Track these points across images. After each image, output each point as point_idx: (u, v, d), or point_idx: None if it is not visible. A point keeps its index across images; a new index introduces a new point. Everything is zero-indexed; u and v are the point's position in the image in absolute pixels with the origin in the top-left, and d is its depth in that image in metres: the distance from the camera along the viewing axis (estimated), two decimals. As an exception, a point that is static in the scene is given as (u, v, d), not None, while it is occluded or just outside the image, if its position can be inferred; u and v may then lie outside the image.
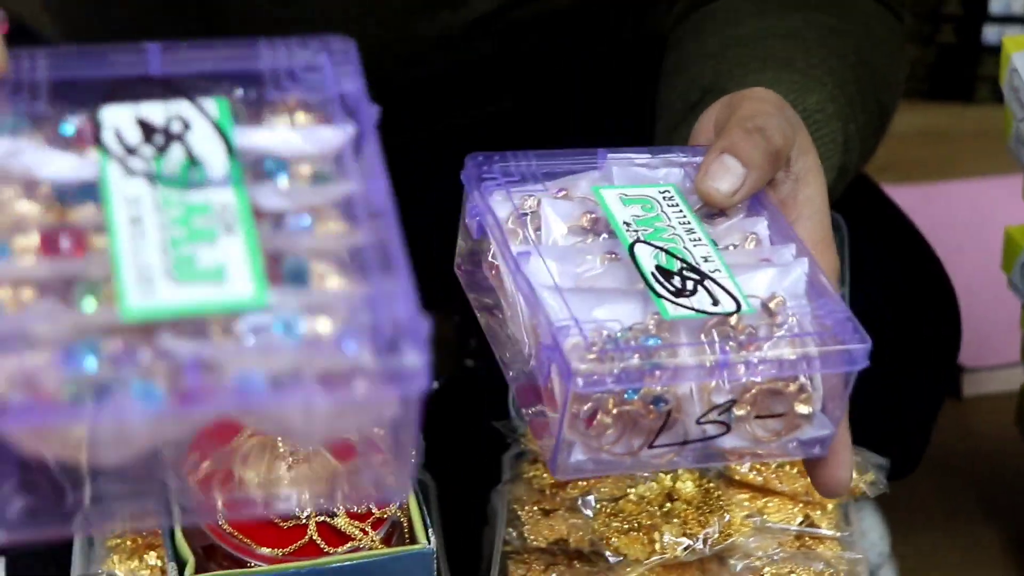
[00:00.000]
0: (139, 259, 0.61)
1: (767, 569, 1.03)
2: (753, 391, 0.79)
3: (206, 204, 0.65)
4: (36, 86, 0.71)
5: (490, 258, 0.90)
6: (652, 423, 0.78)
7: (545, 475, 1.09)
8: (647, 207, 0.85)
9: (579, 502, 1.06)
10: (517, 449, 1.12)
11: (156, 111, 0.68)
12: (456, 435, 1.10)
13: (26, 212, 0.65)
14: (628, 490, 1.07)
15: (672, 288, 0.78)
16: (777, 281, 0.81)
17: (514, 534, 1.05)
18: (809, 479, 0.93)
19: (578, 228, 0.85)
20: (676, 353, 0.77)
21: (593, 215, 0.85)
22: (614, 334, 0.77)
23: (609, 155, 0.89)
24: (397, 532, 0.95)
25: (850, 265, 1.16)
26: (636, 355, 0.76)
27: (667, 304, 0.76)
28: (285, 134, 0.69)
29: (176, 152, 0.67)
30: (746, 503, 1.06)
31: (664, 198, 0.86)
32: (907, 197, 1.40)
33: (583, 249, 0.84)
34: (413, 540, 0.94)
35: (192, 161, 0.67)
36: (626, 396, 0.77)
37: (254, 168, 0.67)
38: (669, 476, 1.08)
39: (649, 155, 0.90)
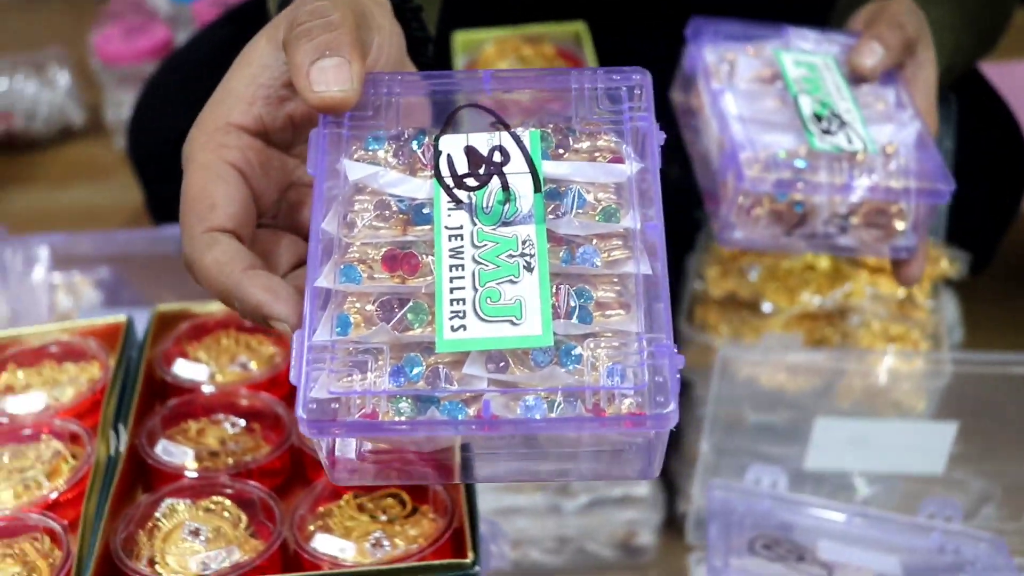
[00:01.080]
0: (455, 294, 0.66)
1: (874, 322, 1.17)
2: (865, 207, 0.96)
3: (513, 241, 0.68)
4: (391, 106, 0.76)
5: (698, 90, 1.08)
6: (791, 219, 0.97)
7: (723, 248, 1.23)
8: (811, 69, 1.03)
9: (749, 265, 1.22)
10: (708, 230, 1.25)
11: (482, 140, 0.71)
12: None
13: (380, 228, 0.70)
14: (781, 261, 1.21)
15: (820, 128, 0.97)
16: (895, 134, 0.98)
17: (700, 287, 1.23)
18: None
19: (760, 78, 1.03)
20: (817, 173, 0.95)
21: (772, 70, 1.04)
22: (775, 153, 0.96)
23: (790, 30, 1.05)
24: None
25: (956, 126, 1.27)
26: (788, 170, 0.95)
27: (815, 138, 0.95)
28: (583, 168, 0.70)
29: (494, 184, 0.70)
30: (865, 277, 1.20)
31: (824, 65, 1.03)
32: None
33: (762, 92, 1.02)
34: None
35: (506, 195, 0.69)
36: (777, 198, 0.96)
37: (554, 198, 0.69)
38: (813, 252, 1.20)
39: (818, 33, 1.06)
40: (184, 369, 0.98)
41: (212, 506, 0.86)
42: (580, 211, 0.68)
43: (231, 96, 0.76)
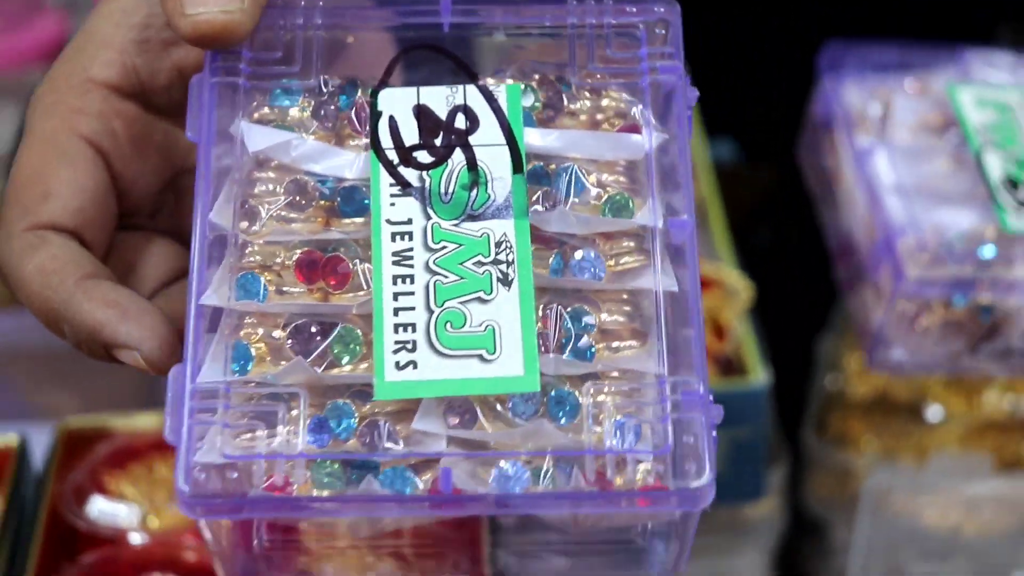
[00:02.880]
0: (400, 317, 0.55)
1: None
2: None
3: (483, 242, 0.56)
4: (309, 46, 0.63)
5: (835, 145, 0.97)
6: (976, 331, 0.85)
7: None
8: (1002, 111, 0.91)
9: None
10: (846, 306, 1.16)
11: (439, 96, 0.59)
12: (787, 284, 1.11)
13: (292, 222, 0.58)
14: None
15: (1016, 200, 0.84)
16: None
17: (836, 383, 1.11)
18: None
19: (927, 127, 0.91)
20: (1012, 266, 0.83)
21: (944, 114, 0.91)
22: (950, 239, 0.84)
23: (969, 52, 0.94)
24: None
25: None
26: (970, 263, 0.83)
27: (1010, 215, 0.83)
28: (582, 139, 0.59)
29: (456, 160, 0.58)
30: None
31: (1021, 105, 0.91)
32: None
33: (930, 149, 0.89)
34: (745, 372, 1.01)
35: (473, 176, 0.58)
36: (954, 302, 0.84)
37: (540, 181, 0.58)
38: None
39: (1014, 56, 0.95)
40: (104, 510, 0.86)
41: None
42: (577, 201, 0.56)
43: (93, 42, 0.63)
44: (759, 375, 0.99)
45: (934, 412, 1.08)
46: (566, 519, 0.61)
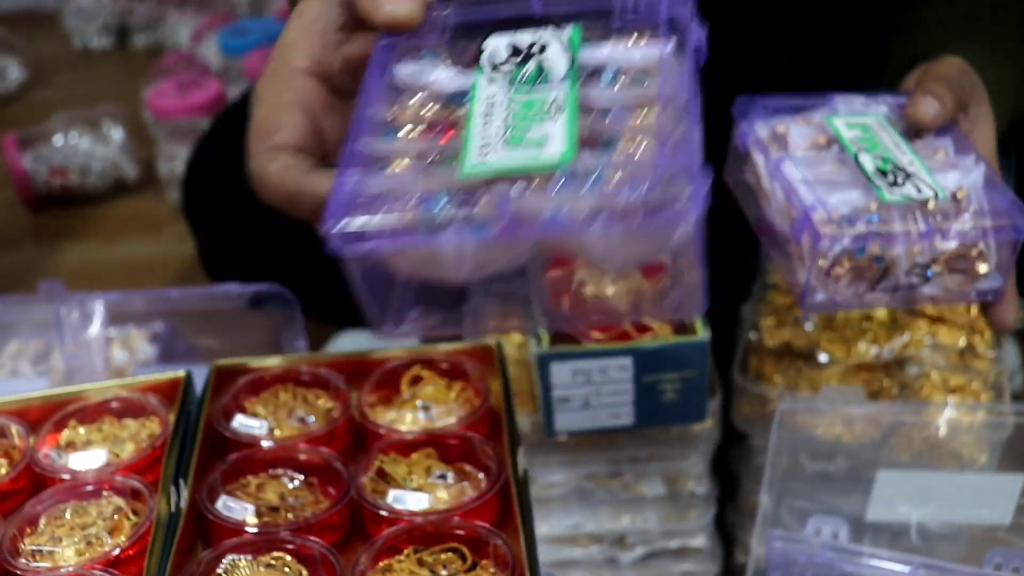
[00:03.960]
0: (484, 135, 0.72)
1: (934, 373, 1.16)
2: (945, 254, 0.96)
3: (544, 97, 0.74)
4: (445, 27, 0.84)
5: (754, 164, 1.07)
6: (873, 274, 0.96)
7: (779, 297, 1.24)
8: (865, 130, 1.03)
9: (802, 317, 1.21)
10: (763, 280, 1.26)
11: (526, 37, 0.79)
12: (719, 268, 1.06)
13: (424, 112, 0.78)
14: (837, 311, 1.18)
15: (887, 182, 0.97)
16: (962, 179, 0.98)
17: (755, 337, 1.23)
18: (978, 312, 1.14)
19: (816, 144, 1.04)
20: (891, 224, 0.95)
21: (827, 136, 1.04)
22: (847, 212, 0.96)
23: (836, 97, 1.06)
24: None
25: (1015, 174, 1.28)
26: (863, 225, 0.94)
27: (884, 192, 0.95)
28: (619, 50, 0.77)
29: (531, 65, 0.77)
30: (924, 326, 1.19)
31: (877, 124, 1.04)
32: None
33: (821, 157, 1.03)
34: (692, 333, 1.10)
35: (541, 70, 0.77)
36: (856, 255, 0.96)
37: (589, 75, 0.76)
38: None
39: (865, 96, 1.07)
40: (243, 424, 0.99)
41: (273, 562, 0.87)
42: (612, 79, 0.75)
43: (289, 45, 0.84)
44: (702, 333, 1.09)
45: (822, 357, 1.18)
46: (604, 248, 0.70)
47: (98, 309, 1.27)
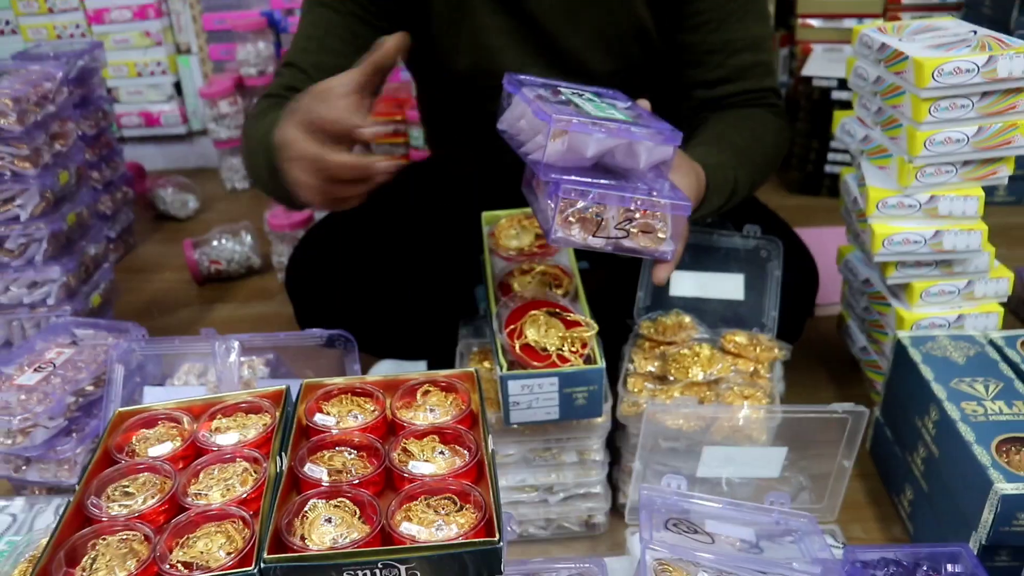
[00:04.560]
0: (585, 104, 0.96)
1: (735, 387, 1.17)
2: (640, 219, 0.93)
3: (606, 103, 0.99)
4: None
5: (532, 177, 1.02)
6: (594, 225, 0.93)
7: (646, 343, 1.23)
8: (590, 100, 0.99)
9: (661, 353, 1.22)
10: (636, 331, 1.26)
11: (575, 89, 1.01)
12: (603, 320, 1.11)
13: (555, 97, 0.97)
14: (681, 350, 1.20)
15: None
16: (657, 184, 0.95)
17: (631, 366, 1.23)
18: (760, 349, 1.14)
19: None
20: (607, 196, 0.92)
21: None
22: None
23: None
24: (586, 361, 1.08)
25: (783, 261, 1.28)
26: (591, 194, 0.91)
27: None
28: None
29: (586, 96, 0.99)
30: (730, 360, 1.22)
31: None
32: (802, 234, 1.43)
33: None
34: (594, 363, 1.08)
35: (595, 97, 0.98)
36: (584, 210, 0.92)
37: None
38: (697, 345, 1.20)
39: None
40: (320, 419, 0.97)
41: (338, 504, 0.86)
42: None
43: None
44: (600, 363, 1.07)
45: (671, 378, 1.18)
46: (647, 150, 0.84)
47: (235, 345, 1.27)
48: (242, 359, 1.31)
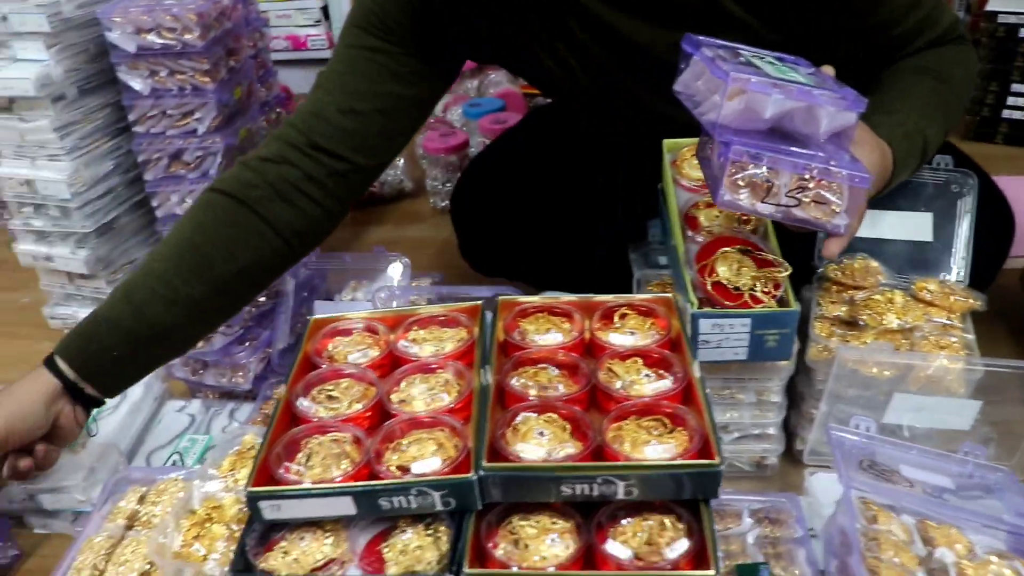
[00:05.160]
0: (766, 68, 0.92)
1: (931, 337, 1.13)
2: (814, 189, 0.89)
3: (785, 66, 0.94)
4: None
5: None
6: (763, 191, 0.89)
7: (832, 286, 1.20)
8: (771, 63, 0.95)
9: (849, 298, 1.18)
10: (820, 273, 1.22)
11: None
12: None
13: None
14: (872, 296, 1.17)
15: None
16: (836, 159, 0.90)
17: (818, 310, 1.19)
18: (953, 300, 1.10)
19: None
20: (780, 162, 0.88)
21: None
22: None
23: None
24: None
25: (977, 202, 1.21)
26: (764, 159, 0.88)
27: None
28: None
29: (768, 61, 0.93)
30: (923, 307, 1.17)
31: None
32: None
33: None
34: (787, 305, 1.04)
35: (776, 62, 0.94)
36: (756, 175, 0.89)
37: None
38: (889, 291, 1.16)
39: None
40: (520, 335, 0.98)
41: (547, 420, 0.86)
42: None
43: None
44: (795, 306, 1.03)
45: (864, 323, 1.14)
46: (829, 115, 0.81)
47: (407, 263, 1.28)
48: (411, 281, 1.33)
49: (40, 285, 1.64)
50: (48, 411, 0.98)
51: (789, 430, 1.23)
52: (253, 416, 1.26)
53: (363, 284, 1.36)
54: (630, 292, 1.22)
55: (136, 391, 1.35)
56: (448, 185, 2.00)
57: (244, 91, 1.51)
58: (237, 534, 0.89)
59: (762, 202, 0.88)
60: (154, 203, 1.49)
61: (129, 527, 0.99)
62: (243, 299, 1.09)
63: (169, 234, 1.05)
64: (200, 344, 1.31)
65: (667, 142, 1.26)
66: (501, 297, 1.00)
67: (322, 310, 1.29)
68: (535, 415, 0.86)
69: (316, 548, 0.80)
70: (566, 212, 1.43)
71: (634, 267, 1.29)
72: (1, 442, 0.96)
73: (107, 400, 1.03)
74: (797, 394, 1.21)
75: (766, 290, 1.04)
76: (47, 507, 1.21)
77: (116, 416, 1.31)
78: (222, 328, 1.30)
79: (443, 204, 2.02)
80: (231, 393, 1.37)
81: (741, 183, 0.87)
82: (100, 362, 1.00)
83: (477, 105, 2.12)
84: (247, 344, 1.34)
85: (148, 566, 0.93)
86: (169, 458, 1.28)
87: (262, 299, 1.36)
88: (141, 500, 1.01)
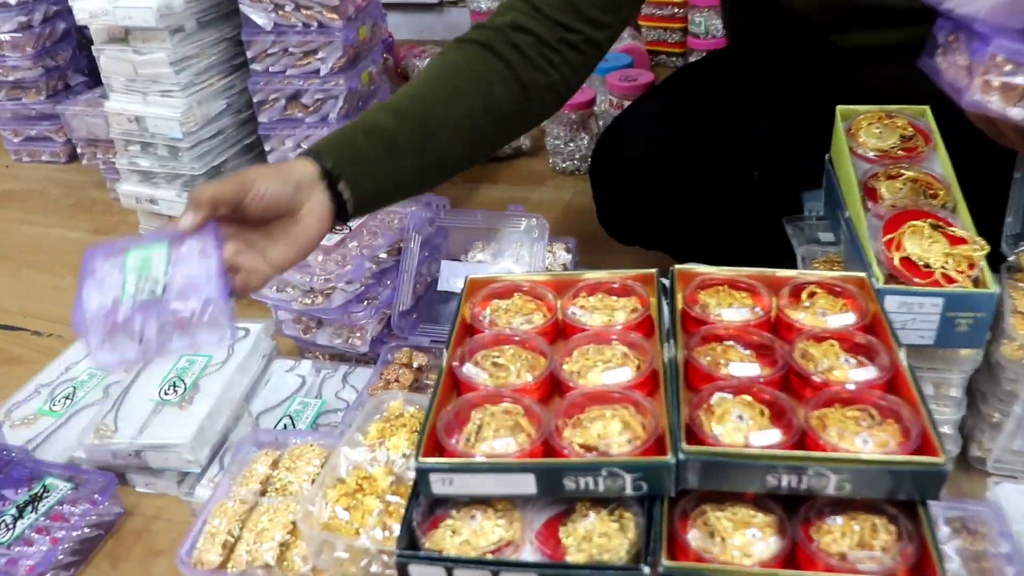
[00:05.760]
0: None
1: None
2: None
3: None
4: None
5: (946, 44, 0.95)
6: (1018, 95, 0.87)
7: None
8: None
9: None
10: (1011, 262, 1.15)
11: None
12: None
13: None
14: None
15: None
16: None
17: (1012, 302, 1.10)
18: None
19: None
20: None
21: None
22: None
23: None
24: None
25: None
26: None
27: None
28: None
29: None
30: None
31: None
32: None
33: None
34: (984, 286, 0.99)
35: None
36: (1013, 78, 0.86)
37: None
38: None
39: None
40: (702, 308, 0.94)
41: (745, 401, 0.82)
42: None
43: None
44: (994, 287, 0.99)
45: None
46: None
47: (545, 224, 1.24)
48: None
49: (139, 228, 1.63)
50: (297, 191, 0.94)
51: (964, 432, 1.18)
52: (373, 382, 1.24)
53: (491, 246, 1.32)
54: (794, 266, 1.19)
55: (244, 347, 1.33)
56: (571, 145, 1.95)
57: (369, 31, 1.46)
58: (391, 508, 0.85)
59: (1015, 106, 0.85)
60: (267, 147, 1.46)
61: (262, 492, 0.96)
62: (488, 141, 1.13)
63: (415, 77, 1.12)
64: (320, 300, 1.27)
65: (841, 108, 1.22)
66: (678, 267, 0.96)
67: (449, 271, 1.26)
68: (731, 396, 0.82)
69: (490, 528, 0.77)
70: (715, 181, 1.41)
71: (794, 242, 1.23)
72: (245, 186, 0.90)
73: (352, 216, 1.01)
74: (976, 393, 1.15)
75: (960, 269, 1.00)
76: (152, 465, 1.20)
77: (223, 373, 1.29)
78: (342, 284, 1.26)
79: (565, 165, 1.98)
80: (343, 356, 1.33)
81: (994, 83, 0.84)
82: (356, 160, 1.00)
83: (605, 61, 2.05)
84: (365, 303, 1.30)
85: (288, 536, 0.90)
86: (279, 421, 1.26)
87: (383, 255, 1.32)
88: (274, 465, 0.98)
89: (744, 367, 0.86)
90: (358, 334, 1.30)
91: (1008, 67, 0.84)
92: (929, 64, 0.99)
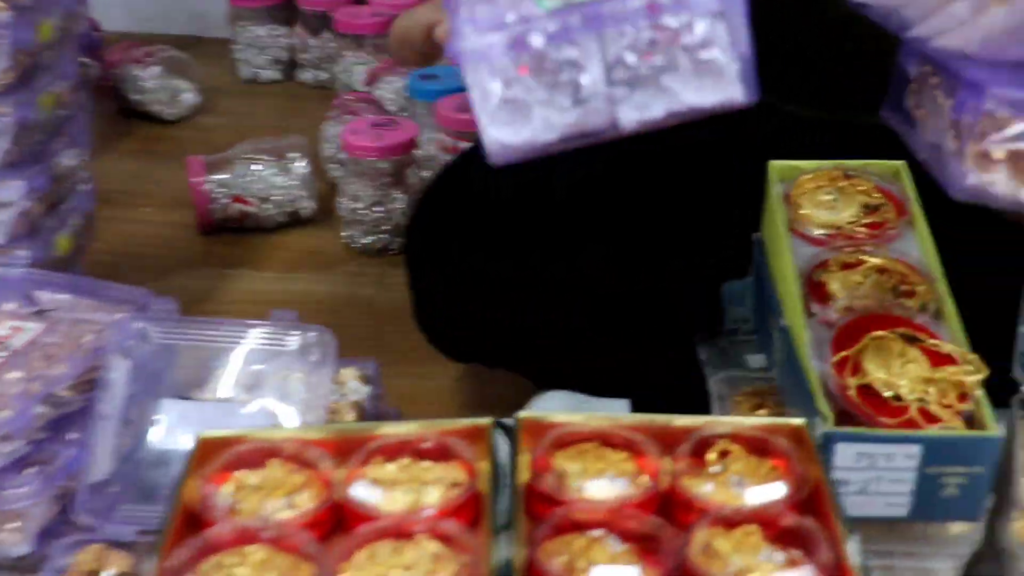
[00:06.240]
0: None
1: None
2: None
3: None
4: None
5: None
6: None
7: None
8: None
9: None
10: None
11: None
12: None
13: None
14: None
15: None
16: None
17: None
18: None
19: None
20: None
21: None
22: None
23: None
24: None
25: None
26: None
27: None
28: None
29: None
30: None
31: None
32: None
33: None
34: (982, 426, 1.01)
35: None
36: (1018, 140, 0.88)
37: None
38: None
39: None
40: (557, 479, 0.93)
41: None
42: None
43: None
44: (995, 429, 1.01)
45: None
46: None
47: (330, 343, 1.27)
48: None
49: None
50: None
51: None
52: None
53: (242, 376, 1.30)
54: (704, 407, 1.21)
55: None
56: (378, 210, 1.95)
57: (56, 28, 1.47)
58: None
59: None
60: None
61: None
62: None
63: None
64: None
65: (774, 164, 1.25)
66: (523, 415, 0.96)
67: (175, 417, 1.25)
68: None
69: None
70: (591, 272, 1.42)
71: (707, 370, 1.26)
72: None
73: None
74: (977, 585, 1.16)
75: (945, 402, 1.02)
76: None
77: None
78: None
79: (368, 241, 1.99)
80: (-8, 563, 1.25)
81: (998, 154, 0.86)
82: None
83: (431, 77, 2.06)
84: (34, 470, 1.23)
85: None
86: None
87: (64, 392, 1.26)
88: None
89: (617, 572, 0.85)
90: (15, 523, 1.22)
91: (1015, 125, 0.86)
92: (895, 116, 1.02)
